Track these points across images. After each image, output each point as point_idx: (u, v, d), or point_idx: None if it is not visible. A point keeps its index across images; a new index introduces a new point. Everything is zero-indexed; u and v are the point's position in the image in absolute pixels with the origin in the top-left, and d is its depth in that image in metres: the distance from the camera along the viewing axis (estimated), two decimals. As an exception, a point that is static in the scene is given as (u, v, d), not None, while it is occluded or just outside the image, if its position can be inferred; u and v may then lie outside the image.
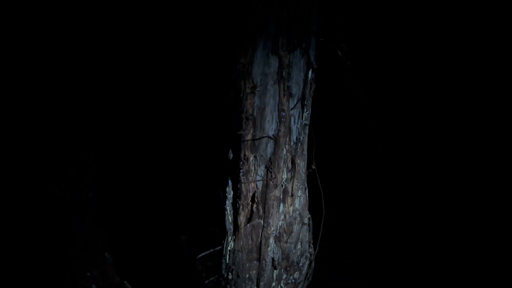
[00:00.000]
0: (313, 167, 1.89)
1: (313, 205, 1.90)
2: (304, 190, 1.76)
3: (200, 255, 3.10)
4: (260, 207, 1.66)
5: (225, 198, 1.77)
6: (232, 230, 1.74)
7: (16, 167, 3.02)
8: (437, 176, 2.65)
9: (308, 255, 1.80)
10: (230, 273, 1.72)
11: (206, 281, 2.91)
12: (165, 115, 3.25)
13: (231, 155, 1.77)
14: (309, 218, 1.82)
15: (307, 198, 1.79)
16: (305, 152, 1.78)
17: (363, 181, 2.75)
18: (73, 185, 3.19)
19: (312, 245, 1.83)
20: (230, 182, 1.76)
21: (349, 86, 1.84)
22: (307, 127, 1.81)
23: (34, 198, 2.98)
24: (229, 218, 1.75)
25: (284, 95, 1.68)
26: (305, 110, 1.75)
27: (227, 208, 1.75)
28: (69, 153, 3.30)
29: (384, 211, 2.64)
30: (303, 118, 1.76)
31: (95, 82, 3.40)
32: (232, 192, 1.76)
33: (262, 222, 1.68)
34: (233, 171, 1.75)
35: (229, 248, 1.74)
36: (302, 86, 1.72)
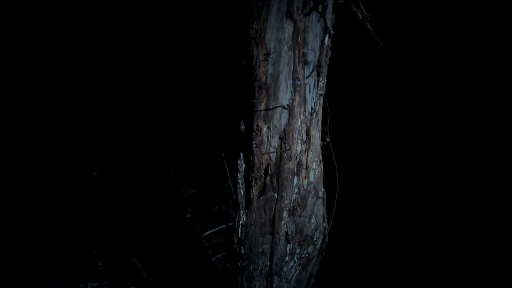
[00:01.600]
0: (327, 139, 1.82)
1: (326, 178, 1.84)
2: (319, 163, 1.69)
3: (206, 233, 3.09)
4: (274, 180, 1.60)
5: (237, 171, 1.71)
6: (244, 204, 1.69)
7: (16, 167, 3.00)
8: (440, 175, 2.59)
9: (322, 229, 1.75)
10: (242, 247, 1.67)
11: (213, 258, 2.91)
12: (166, 111, 3.22)
13: (243, 127, 1.69)
14: (323, 192, 1.76)
15: (322, 171, 1.72)
16: (320, 123, 1.70)
17: (364, 179, 2.70)
18: (73, 185, 3.20)
19: (326, 220, 1.77)
20: (241, 154, 1.70)
21: (351, 86, 1.76)
22: (322, 97, 1.72)
23: (34, 198, 2.97)
24: (241, 191, 1.69)
25: (299, 62, 1.59)
26: (320, 79, 1.66)
27: (239, 181, 1.69)
28: (69, 153, 3.29)
29: (385, 209, 2.59)
30: (319, 88, 1.67)
31: (95, 80, 3.36)
32: (244, 165, 1.69)
33: (276, 195, 1.62)
34: (244, 143, 1.68)
35: (241, 222, 1.69)
36: (318, 53, 1.62)
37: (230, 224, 2.09)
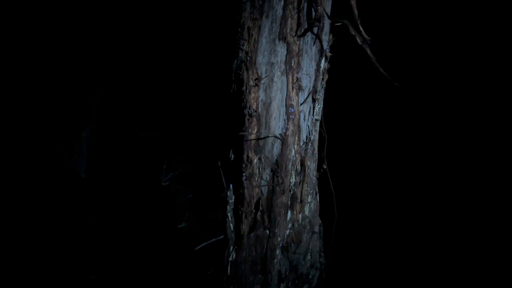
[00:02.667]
0: (324, 166, 1.69)
1: (323, 206, 1.72)
2: (314, 195, 1.57)
3: (199, 246, 2.99)
4: (265, 216, 1.48)
5: (226, 203, 1.58)
6: (234, 239, 1.56)
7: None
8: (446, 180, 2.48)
9: (319, 265, 1.62)
10: (231, 287, 1.55)
11: (209, 272, 2.81)
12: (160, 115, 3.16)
13: (233, 156, 1.56)
14: (320, 224, 1.64)
15: (318, 204, 1.59)
16: (316, 152, 1.57)
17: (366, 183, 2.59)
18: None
19: (323, 254, 1.65)
20: (231, 186, 1.57)
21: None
22: (318, 123, 1.60)
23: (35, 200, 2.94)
24: (231, 225, 1.57)
25: (293, 88, 1.46)
26: (316, 105, 1.53)
27: (228, 214, 1.57)
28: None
29: (386, 214, 2.48)
30: (314, 114, 1.54)
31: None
32: (233, 197, 1.57)
33: (268, 232, 1.49)
34: (234, 173, 1.56)
35: (230, 259, 1.56)
36: (313, 78, 1.49)
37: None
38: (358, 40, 1.34)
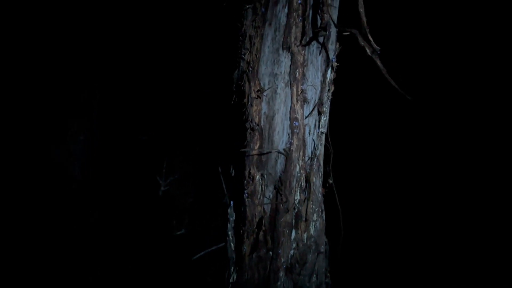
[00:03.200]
0: (330, 181, 1.61)
1: (329, 222, 1.64)
2: (320, 213, 1.48)
3: (197, 255, 2.91)
4: (268, 237, 1.39)
5: (227, 221, 1.50)
6: (234, 260, 1.47)
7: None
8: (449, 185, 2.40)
9: (325, 286, 1.53)
10: (232, 311, 1.46)
11: (209, 279, 2.74)
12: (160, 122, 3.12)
13: (233, 172, 1.48)
14: (326, 243, 1.55)
15: (324, 222, 1.51)
16: (322, 167, 1.49)
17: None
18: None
19: (329, 275, 1.56)
20: (232, 202, 1.49)
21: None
22: (324, 136, 1.51)
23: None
24: (231, 245, 1.48)
25: (297, 101, 1.38)
26: (322, 117, 1.45)
27: (229, 233, 1.48)
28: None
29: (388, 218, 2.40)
30: (320, 127, 1.46)
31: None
32: (234, 215, 1.48)
33: (271, 253, 1.41)
34: (235, 190, 1.47)
35: (231, 280, 1.47)
36: (319, 89, 1.41)
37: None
38: (368, 51, 1.25)
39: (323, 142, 1.52)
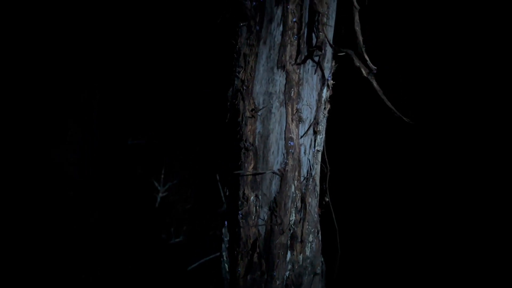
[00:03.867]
0: (327, 199, 1.58)
1: (325, 241, 1.61)
2: (316, 234, 1.45)
3: (194, 265, 2.88)
4: (263, 259, 1.36)
5: (221, 241, 1.47)
6: (228, 281, 1.44)
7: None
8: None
9: (321, 308, 1.51)
10: (226, 334, 1.43)
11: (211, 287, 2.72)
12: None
13: (228, 192, 1.45)
14: (322, 263, 1.52)
15: (320, 243, 1.48)
16: (318, 187, 1.46)
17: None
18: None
19: (325, 296, 1.53)
20: (226, 223, 1.46)
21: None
22: (319, 154, 1.49)
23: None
24: (226, 266, 1.45)
25: (292, 120, 1.36)
26: (318, 136, 1.43)
27: (223, 254, 1.45)
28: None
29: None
30: (316, 146, 1.44)
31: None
32: (228, 235, 1.45)
33: (266, 275, 1.38)
34: (230, 210, 1.45)
35: (225, 302, 1.45)
36: (314, 108, 1.38)
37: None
38: (363, 72, 1.23)
39: (319, 160, 1.49)
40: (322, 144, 1.49)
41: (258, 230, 1.38)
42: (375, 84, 1.24)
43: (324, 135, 1.48)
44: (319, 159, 1.49)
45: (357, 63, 1.23)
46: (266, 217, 1.37)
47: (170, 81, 3.09)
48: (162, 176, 3.17)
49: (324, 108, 1.43)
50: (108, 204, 3.09)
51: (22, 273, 2.49)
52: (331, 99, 1.46)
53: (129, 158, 3.26)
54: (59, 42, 3.14)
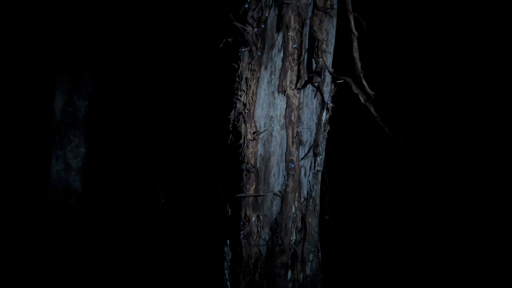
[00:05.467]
0: (327, 217, 1.62)
1: (326, 258, 1.64)
2: (316, 253, 1.49)
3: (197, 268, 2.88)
4: (264, 280, 1.39)
5: (224, 259, 1.51)
6: (231, 299, 1.48)
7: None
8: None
9: (321, 325, 1.54)
10: None
11: None
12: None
13: (230, 211, 1.49)
14: (321, 279, 1.55)
15: (320, 261, 1.51)
16: (318, 207, 1.50)
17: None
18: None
19: (325, 313, 1.56)
20: (228, 241, 1.49)
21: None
22: (320, 174, 1.53)
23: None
24: (228, 284, 1.49)
25: (293, 143, 1.40)
26: (318, 158, 1.46)
27: (226, 272, 1.49)
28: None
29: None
30: (316, 167, 1.47)
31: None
32: (230, 254, 1.49)
33: (267, 294, 1.41)
34: (232, 229, 1.48)
35: (227, 320, 1.48)
36: (314, 131, 1.42)
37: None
38: (361, 99, 1.27)
39: (319, 180, 1.53)
40: (322, 164, 1.53)
41: (260, 250, 1.42)
42: (372, 110, 1.28)
43: (324, 155, 1.52)
44: (319, 179, 1.53)
45: (355, 90, 1.27)
46: (267, 237, 1.41)
47: (169, 81, 3.10)
48: (164, 182, 3.18)
49: (324, 130, 1.47)
50: (108, 204, 3.10)
51: (22, 273, 2.48)
52: (330, 121, 1.50)
53: (129, 159, 3.26)
54: (59, 42, 3.16)
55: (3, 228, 2.82)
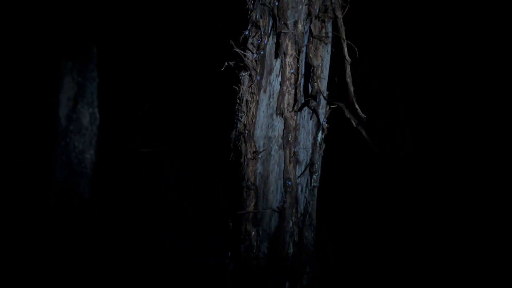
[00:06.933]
0: (326, 233, 1.71)
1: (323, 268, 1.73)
2: (313, 265, 1.58)
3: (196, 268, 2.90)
4: (263, 291, 1.49)
5: (225, 271, 1.60)
6: (231, 308, 1.57)
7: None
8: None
9: (317, 333, 1.63)
10: None
11: None
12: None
13: (231, 225, 1.58)
14: (318, 290, 1.64)
15: (317, 272, 1.60)
16: (314, 221, 1.59)
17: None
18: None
19: (321, 321, 1.65)
20: (229, 253, 1.59)
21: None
22: (316, 189, 1.62)
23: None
24: (229, 293, 1.58)
25: (290, 162, 1.49)
26: (314, 175, 1.55)
27: (227, 283, 1.58)
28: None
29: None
30: (312, 184, 1.56)
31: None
32: (232, 265, 1.58)
33: (266, 304, 1.50)
34: (232, 243, 1.57)
35: (228, 329, 1.57)
36: (310, 151, 1.52)
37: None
38: (353, 123, 1.36)
39: (316, 195, 1.62)
40: (318, 180, 1.62)
41: (259, 262, 1.51)
42: (364, 133, 1.37)
43: (320, 172, 1.61)
44: (316, 194, 1.62)
45: (347, 115, 1.36)
46: (266, 251, 1.50)
47: (170, 81, 3.15)
48: (164, 182, 3.23)
49: (320, 149, 1.56)
50: (108, 204, 3.14)
51: (22, 273, 2.53)
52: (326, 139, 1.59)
53: (129, 159, 3.29)
54: (64, 49, 3.21)
55: (6, 228, 2.86)
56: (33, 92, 3.44)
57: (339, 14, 1.42)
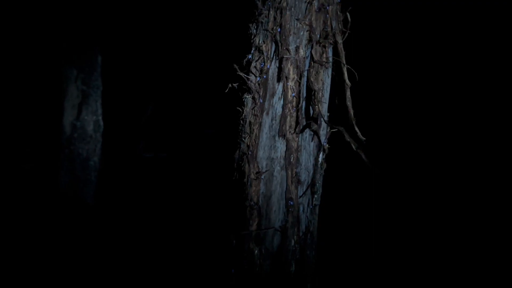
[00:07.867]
0: (325, 251, 1.76)
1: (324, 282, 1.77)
2: (315, 281, 1.62)
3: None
4: (266, 307, 1.53)
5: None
6: (236, 324, 1.61)
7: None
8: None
9: None
10: None
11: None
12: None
13: (234, 243, 1.62)
14: (319, 305, 1.68)
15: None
16: (316, 239, 1.63)
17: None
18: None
19: (322, 335, 1.69)
20: (233, 270, 1.63)
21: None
22: (317, 208, 1.66)
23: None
24: (233, 309, 1.62)
25: (292, 182, 1.53)
26: (315, 195, 1.60)
27: (231, 299, 1.62)
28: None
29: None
30: (313, 203, 1.61)
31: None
32: (235, 281, 1.62)
33: (268, 320, 1.55)
34: (236, 260, 1.62)
35: None
36: (311, 172, 1.56)
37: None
38: (353, 147, 1.41)
39: (317, 213, 1.66)
40: (319, 199, 1.66)
41: (261, 280, 1.55)
42: (363, 156, 1.41)
43: (321, 191, 1.65)
44: (317, 212, 1.66)
45: (348, 138, 1.41)
46: (268, 269, 1.54)
47: (171, 81, 3.18)
48: (164, 182, 3.26)
49: (321, 169, 1.60)
50: (109, 205, 3.18)
51: (27, 274, 2.56)
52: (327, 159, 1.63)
53: (132, 164, 3.32)
54: (69, 58, 3.25)
55: (12, 231, 2.90)
56: (38, 101, 3.49)
57: (340, 39, 1.47)
